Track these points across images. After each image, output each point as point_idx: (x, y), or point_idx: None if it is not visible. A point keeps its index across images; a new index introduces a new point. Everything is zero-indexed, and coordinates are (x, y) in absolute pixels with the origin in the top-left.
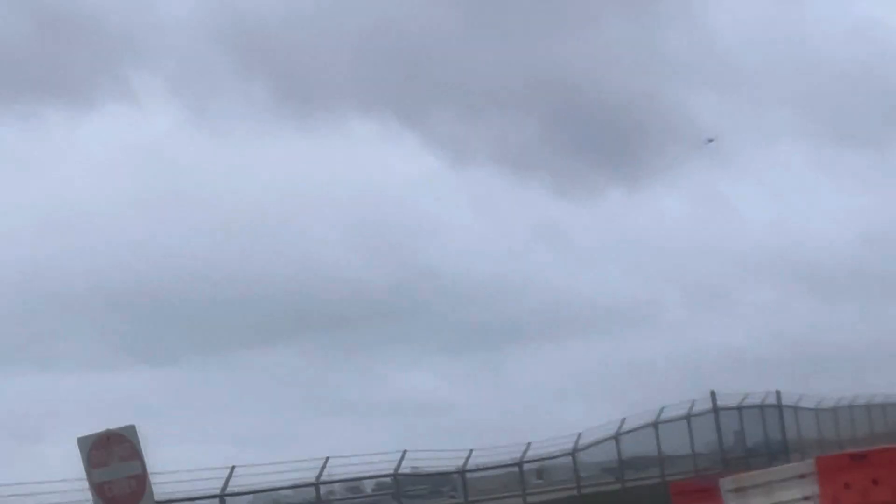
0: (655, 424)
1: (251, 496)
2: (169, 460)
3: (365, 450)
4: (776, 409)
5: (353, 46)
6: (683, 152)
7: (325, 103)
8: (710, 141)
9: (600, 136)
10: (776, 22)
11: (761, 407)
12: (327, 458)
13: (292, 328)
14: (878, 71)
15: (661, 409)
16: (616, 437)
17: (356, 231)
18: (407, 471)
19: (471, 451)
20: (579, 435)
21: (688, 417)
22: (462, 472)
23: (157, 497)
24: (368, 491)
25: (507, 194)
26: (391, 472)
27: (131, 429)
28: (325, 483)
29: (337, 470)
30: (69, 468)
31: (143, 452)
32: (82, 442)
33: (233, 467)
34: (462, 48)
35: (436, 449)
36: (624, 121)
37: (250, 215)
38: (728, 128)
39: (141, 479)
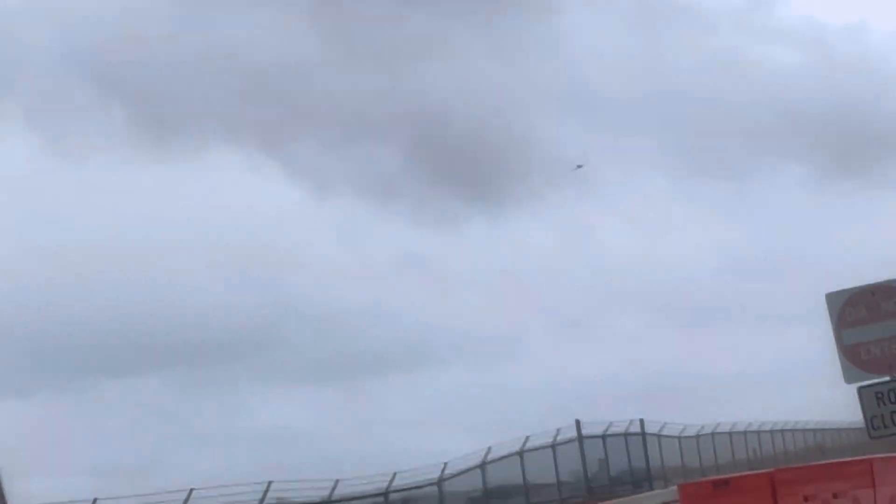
0: (521, 453)
1: None
2: (30, 494)
3: (230, 480)
4: (640, 437)
5: (214, 73)
6: (547, 182)
7: (185, 131)
8: (579, 167)
9: (463, 166)
10: (638, 54)
11: (625, 435)
12: (191, 490)
13: (156, 358)
14: (737, 102)
15: (527, 438)
16: (482, 466)
17: (219, 261)
18: (272, 502)
19: (336, 481)
20: (445, 464)
21: (553, 446)
22: (328, 502)
23: None
24: None
25: (370, 224)
26: (256, 502)
27: None
28: None
29: (201, 502)
30: None
31: (4, 487)
32: None
33: (95, 500)
34: (325, 77)
35: (301, 479)
36: (487, 151)
37: (111, 244)
38: (591, 158)
39: None
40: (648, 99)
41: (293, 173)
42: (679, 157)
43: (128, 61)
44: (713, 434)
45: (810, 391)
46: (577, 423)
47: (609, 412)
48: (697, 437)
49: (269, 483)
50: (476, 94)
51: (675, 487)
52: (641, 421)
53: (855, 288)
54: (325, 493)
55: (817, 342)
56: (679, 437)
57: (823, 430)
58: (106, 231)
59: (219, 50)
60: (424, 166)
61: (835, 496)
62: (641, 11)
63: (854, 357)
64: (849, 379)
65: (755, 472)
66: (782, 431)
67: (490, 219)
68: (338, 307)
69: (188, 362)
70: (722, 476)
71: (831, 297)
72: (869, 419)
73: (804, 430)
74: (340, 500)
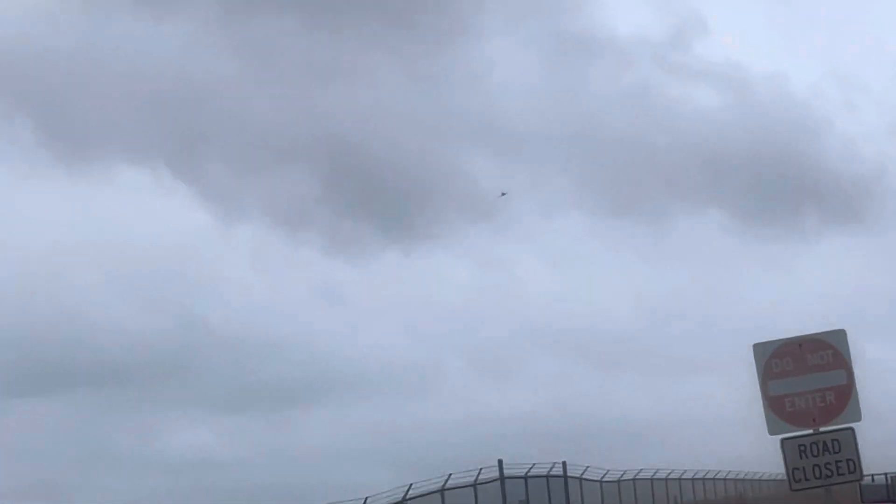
0: (442, 491)
1: None
2: None
3: None
4: (562, 479)
5: (124, 91)
6: (464, 216)
7: (93, 148)
8: (504, 194)
9: (378, 195)
10: (556, 89)
11: (547, 477)
12: None
13: (63, 381)
14: (653, 141)
15: (448, 476)
16: (402, 503)
17: (127, 283)
18: None
19: None
20: (365, 500)
21: (474, 485)
22: None
23: None
24: None
25: (280, 252)
26: None
27: None
28: None
29: None
30: None
31: None
32: None
33: None
34: (239, 100)
35: None
36: (403, 182)
37: (14, 262)
38: (509, 195)
39: None
40: (566, 135)
41: (203, 196)
42: (597, 196)
43: (33, 72)
44: (634, 480)
45: (732, 440)
46: (500, 462)
47: (532, 453)
48: (619, 482)
49: None
50: (394, 123)
51: None
52: (564, 463)
53: (782, 339)
54: None
55: (737, 391)
56: (601, 482)
57: (745, 480)
58: (9, 247)
59: (130, 66)
60: (338, 195)
61: None
62: (559, 43)
63: (779, 408)
64: (773, 430)
65: None
66: (703, 480)
67: (403, 250)
68: (250, 334)
69: (99, 385)
70: None
71: (758, 348)
72: (791, 471)
73: (725, 480)
74: None
